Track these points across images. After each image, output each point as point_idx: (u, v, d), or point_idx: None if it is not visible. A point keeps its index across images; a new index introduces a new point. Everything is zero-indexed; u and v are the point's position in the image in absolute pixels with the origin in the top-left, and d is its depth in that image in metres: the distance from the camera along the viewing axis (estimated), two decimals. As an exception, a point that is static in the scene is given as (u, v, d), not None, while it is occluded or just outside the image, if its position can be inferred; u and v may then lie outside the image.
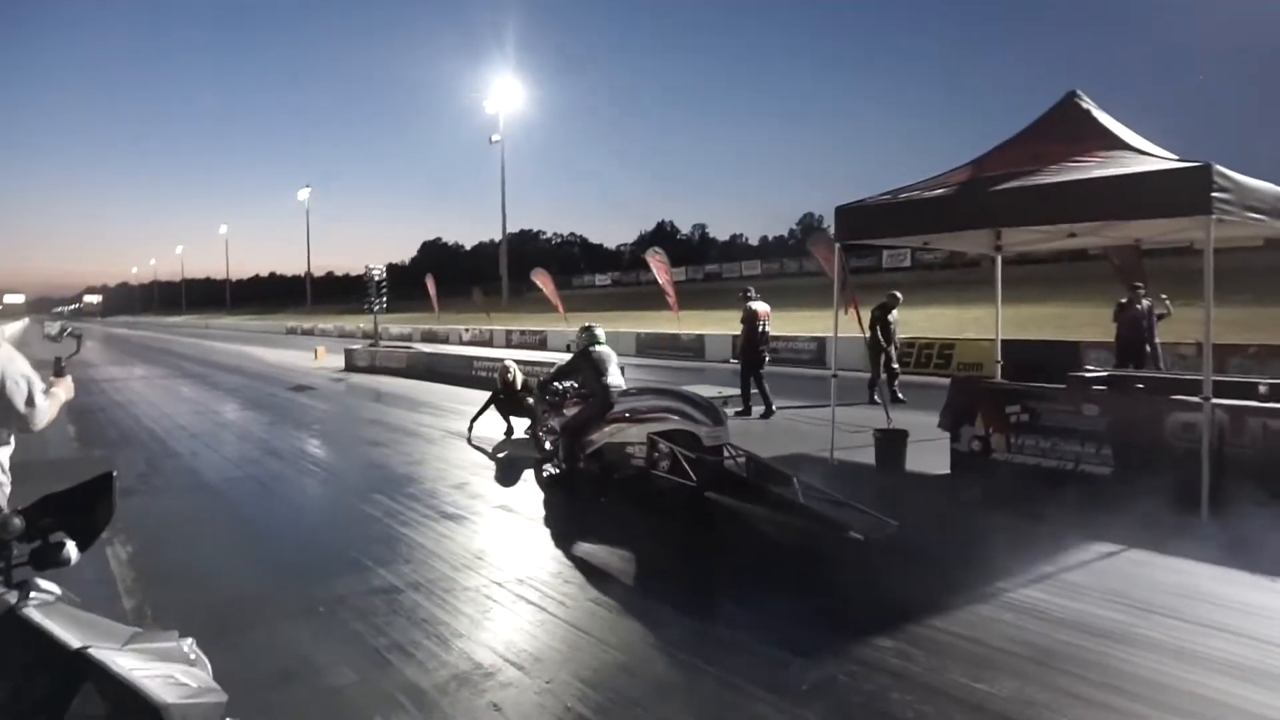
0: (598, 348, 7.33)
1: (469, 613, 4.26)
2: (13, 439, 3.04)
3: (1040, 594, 4.41)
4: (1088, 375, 8.07)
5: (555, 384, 7.70)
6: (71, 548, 1.49)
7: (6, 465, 3.03)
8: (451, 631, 4.00)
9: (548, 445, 7.74)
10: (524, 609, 4.31)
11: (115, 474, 1.64)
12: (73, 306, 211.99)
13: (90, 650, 1.46)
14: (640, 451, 6.64)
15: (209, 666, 1.70)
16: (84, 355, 29.54)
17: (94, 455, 9.12)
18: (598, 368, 7.13)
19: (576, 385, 7.49)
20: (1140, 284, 11.76)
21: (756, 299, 12.03)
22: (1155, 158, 6.42)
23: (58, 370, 3.26)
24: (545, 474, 7.46)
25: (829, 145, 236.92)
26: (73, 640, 1.45)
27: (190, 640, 1.71)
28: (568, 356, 7.85)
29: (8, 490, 3.00)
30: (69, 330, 3.77)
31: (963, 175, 7.40)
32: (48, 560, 1.47)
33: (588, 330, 7.58)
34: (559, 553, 5.33)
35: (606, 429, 6.86)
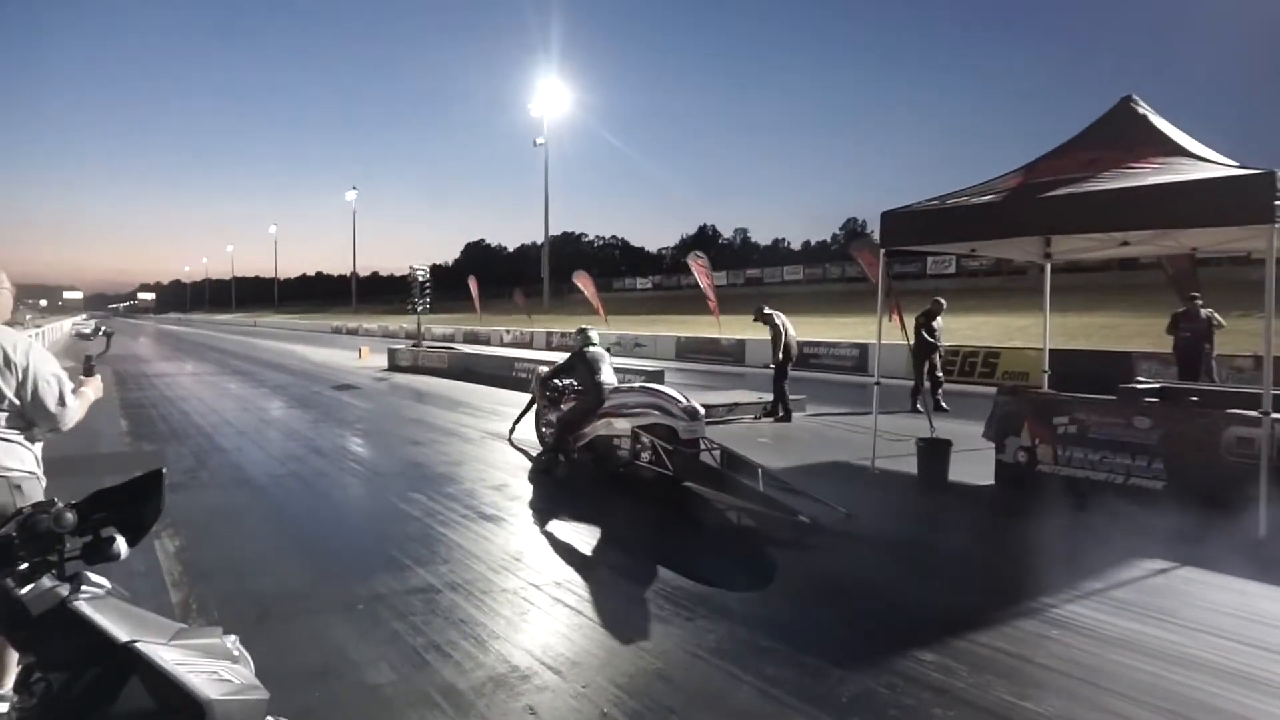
0: (591, 349, 8.03)
1: (506, 614, 4.27)
2: (44, 437, 3.08)
3: (1088, 611, 4.30)
4: (1139, 387, 7.87)
5: (554, 380, 8.40)
6: (121, 543, 1.51)
7: (40, 462, 3.07)
8: (488, 633, 4.01)
9: (546, 436, 8.50)
10: (561, 612, 4.31)
11: (165, 471, 1.66)
12: (128, 303, 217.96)
13: (138, 644, 1.48)
14: (626, 444, 7.29)
15: (252, 663, 1.72)
16: (137, 351, 30.41)
17: (144, 450, 9.33)
18: (591, 367, 7.85)
19: (575, 382, 8.11)
20: (1197, 294, 11.47)
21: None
22: (1215, 164, 6.24)
23: (87, 369, 3.29)
24: (542, 462, 8.13)
25: (874, 150, 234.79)
26: (121, 634, 1.47)
27: (234, 637, 1.73)
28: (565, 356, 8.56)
29: (42, 487, 3.04)
30: (101, 329, 3.84)
31: (1013, 181, 7.26)
32: (99, 554, 1.50)
33: (582, 333, 8.27)
34: (596, 557, 5.33)
35: (598, 423, 7.54)
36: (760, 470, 6.45)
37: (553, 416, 8.34)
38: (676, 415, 6.98)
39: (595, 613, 4.28)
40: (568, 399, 8.10)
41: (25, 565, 1.45)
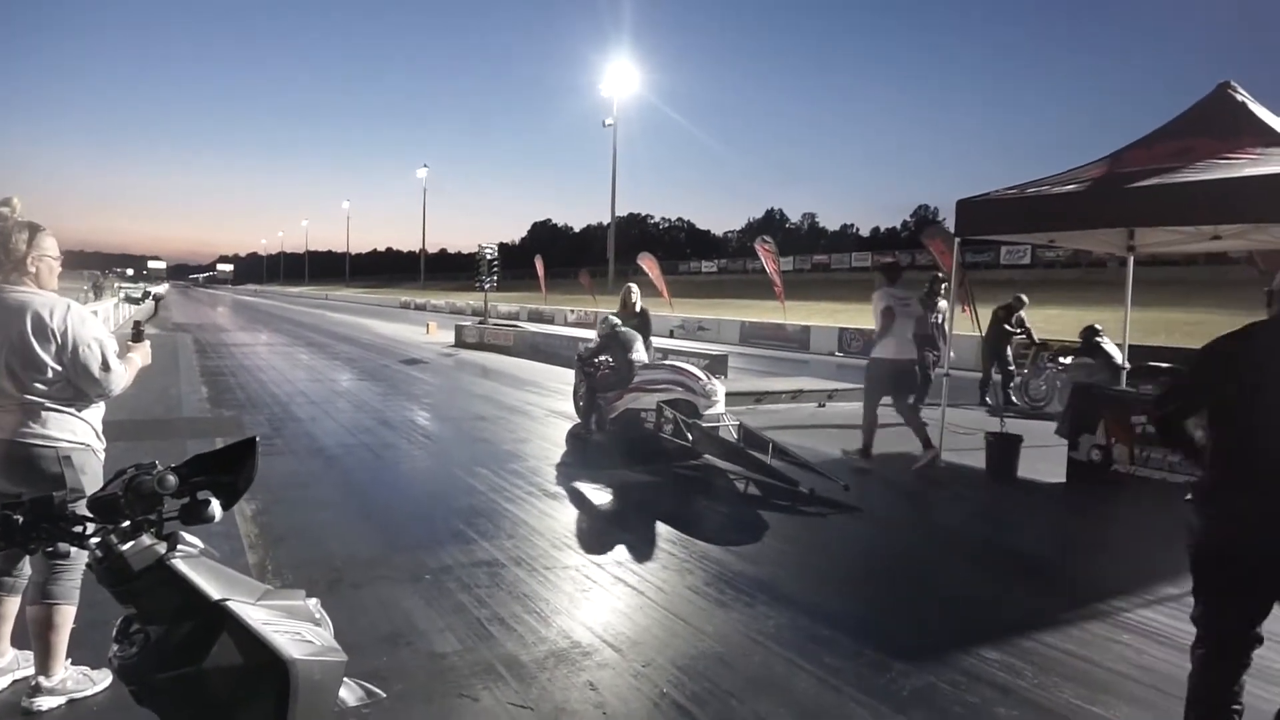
0: (622, 329, 8.68)
1: (568, 591, 4.33)
2: (102, 403, 3.06)
3: (1163, 617, 4.17)
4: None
5: (593, 359, 8.83)
6: (216, 506, 1.57)
7: (99, 429, 3.06)
8: (551, 608, 4.08)
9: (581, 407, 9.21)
10: (622, 591, 4.36)
11: (258, 439, 1.73)
12: (207, 274, 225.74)
13: (228, 603, 1.55)
14: (651, 417, 7.72)
15: (331, 627, 1.78)
16: (216, 320, 31.49)
17: (224, 416, 9.69)
18: (624, 345, 8.44)
19: (609, 359, 8.57)
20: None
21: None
22: (1319, 156, 5.93)
23: (136, 335, 3.27)
24: (577, 432, 8.92)
25: (948, 138, 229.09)
26: (213, 592, 1.55)
27: (315, 600, 1.79)
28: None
29: (102, 452, 3.04)
30: (150, 293, 3.87)
31: (1097, 171, 7.02)
32: (195, 516, 1.56)
33: (606, 320, 8.94)
34: (658, 538, 5.36)
35: (627, 397, 7.99)
36: (771, 445, 6.96)
37: (586, 390, 8.99)
38: (697, 392, 7.62)
39: (655, 593, 4.32)
40: (602, 374, 8.56)
41: (127, 523, 1.53)
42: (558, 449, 8.23)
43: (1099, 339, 10.62)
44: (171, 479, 1.55)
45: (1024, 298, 12.51)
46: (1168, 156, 6.54)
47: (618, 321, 8.85)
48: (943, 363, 8.94)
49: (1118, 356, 10.07)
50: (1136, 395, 7.34)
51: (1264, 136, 6.35)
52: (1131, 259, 9.04)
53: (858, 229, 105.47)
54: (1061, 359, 11.48)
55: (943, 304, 10.26)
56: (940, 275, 9.54)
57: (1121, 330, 9.87)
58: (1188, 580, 4.68)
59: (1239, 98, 6.83)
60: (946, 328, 9.56)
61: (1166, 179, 6.19)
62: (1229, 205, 5.93)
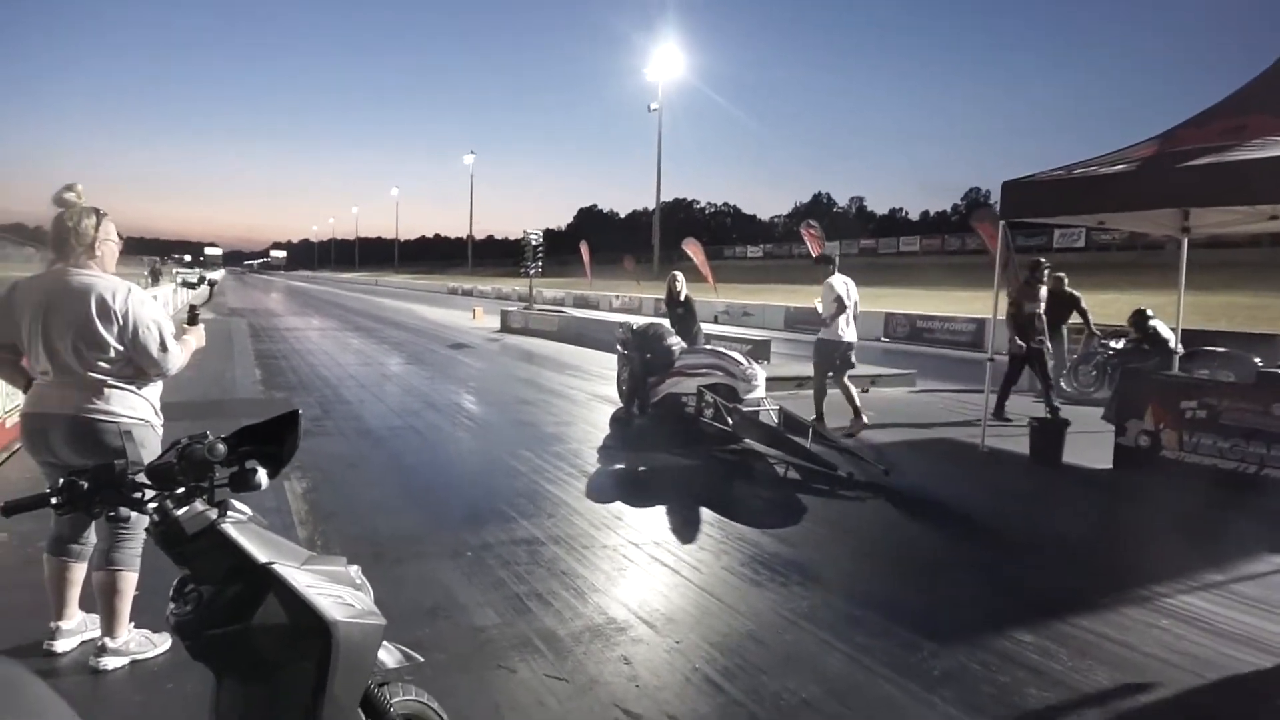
0: (641, 328, 8.92)
1: (605, 569, 4.42)
2: (160, 381, 3.22)
3: (1205, 603, 4.12)
4: (1281, 372, 7.36)
5: (631, 343, 8.95)
6: (263, 474, 1.67)
7: (158, 405, 3.22)
8: (588, 585, 4.17)
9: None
10: (658, 570, 4.43)
11: (300, 412, 1.82)
12: (261, 260, 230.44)
13: (275, 566, 1.65)
14: (692, 401, 7.80)
15: (371, 592, 1.87)
16: (270, 305, 32.14)
17: (275, 398, 9.97)
18: (660, 334, 8.59)
19: (648, 354, 8.59)
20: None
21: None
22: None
23: (191, 318, 3.43)
24: (619, 416, 8.97)
25: (1000, 117, 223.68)
26: (261, 555, 1.64)
27: (356, 567, 1.88)
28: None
29: (158, 435, 3.19)
30: (205, 278, 4.02)
31: (1148, 150, 6.86)
32: (243, 484, 1.66)
33: (626, 326, 9.27)
34: (694, 519, 5.42)
35: (668, 381, 8.09)
36: (811, 429, 6.96)
37: (630, 374, 9.00)
38: (738, 377, 7.62)
39: (691, 572, 4.38)
40: (645, 359, 8.61)
41: (182, 490, 1.63)
42: (599, 432, 8.32)
43: (1151, 322, 10.37)
44: (221, 447, 1.65)
45: (1062, 276, 11.67)
46: (1222, 135, 6.36)
47: (634, 324, 9.09)
48: (1049, 349, 9.25)
49: (1171, 340, 9.84)
50: (1186, 380, 7.19)
51: (1324, 113, 6.15)
52: (1186, 241, 8.82)
53: (907, 212, 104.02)
54: (1113, 343, 11.21)
55: (1043, 291, 9.52)
56: (1042, 260, 9.11)
57: (1175, 314, 9.64)
58: (1232, 566, 4.64)
59: (1298, 73, 6.63)
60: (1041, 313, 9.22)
61: (1220, 158, 6.02)
62: (1286, 184, 5.76)
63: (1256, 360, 9.23)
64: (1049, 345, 9.28)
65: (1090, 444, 7.40)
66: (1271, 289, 24.08)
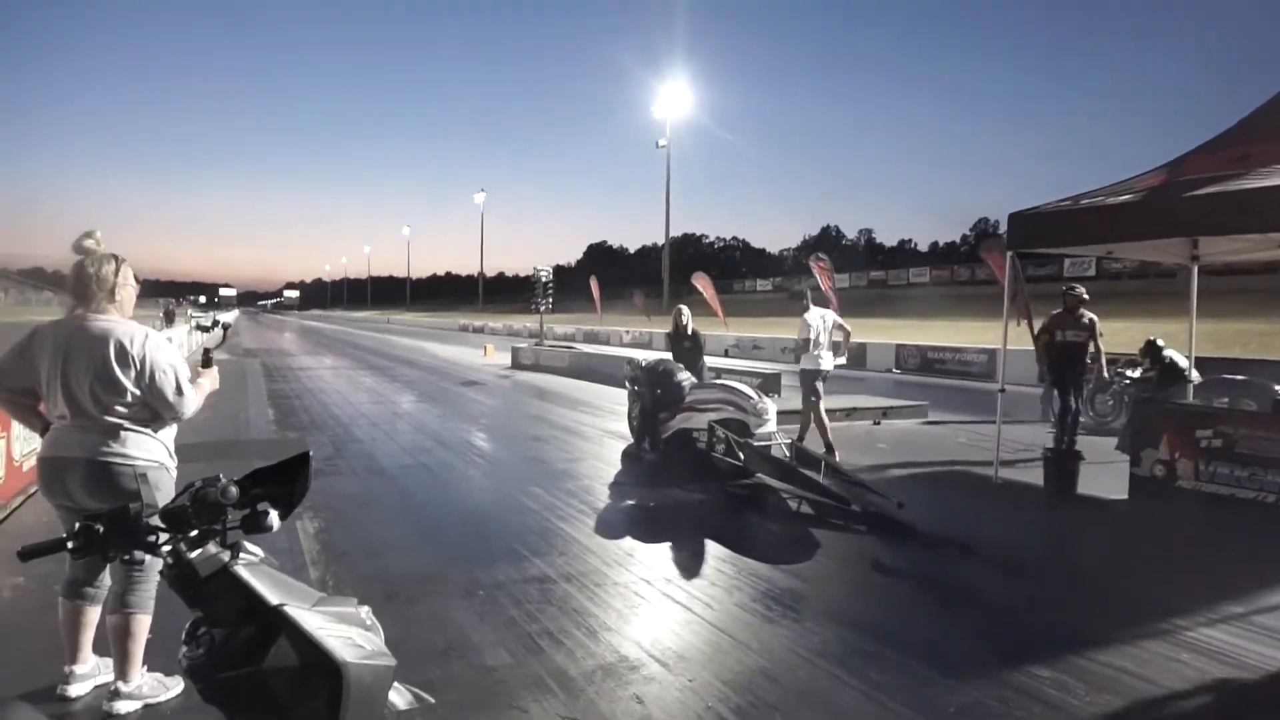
0: (648, 365, 9.04)
1: (618, 607, 4.40)
2: (174, 424, 3.25)
3: (1226, 636, 4.06)
4: (1296, 400, 7.31)
5: (639, 379, 8.97)
6: (274, 516, 1.70)
7: (172, 448, 3.25)
8: (600, 624, 4.15)
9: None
10: (670, 608, 4.41)
11: (311, 454, 1.85)
12: (275, 300, 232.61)
13: (286, 608, 1.66)
14: (703, 436, 7.76)
15: (382, 633, 1.88)
16: (283, 345, 32.33)
17: (289, 437, 10.02)
18: (669, 370, 8.70)
19: (658, 390, 8.61)
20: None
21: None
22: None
23: (205, 361, 3.46)
24: (630, 452, 8.95)
25: (1009, 147, 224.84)
26: (272, 597, 1.66)
27: (367, 608, 1.90)
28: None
29: (174, 470, 3.22)
30: (219, 322, 4.08)
31: (1154, 180, 6.89)
32: (255, 525, 1.69)
33: (632, 362, 9.58)
34: (706, 555, 5.40)
35: (679, 416, 8.13)
36: (823, 463, 6.93)
37: (640, 410, 8.99)
38: (749, 411, 7.70)
39: (703, 609, 4.36)
40: (655, 395, 8.63)
41: (195, 532, 1.66)
42: (610, 468, 8.32)
43: (1165, 352, 10.30)
44: (234, 490, 1.67)
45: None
46: (1228, 163, 6.39)
47: (642, 360, 9.28)
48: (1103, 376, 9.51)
49: (1186, 368, 9.78)
50: (1201, 408, 7.15)
51: (1328, 141, 6.18)
52: (1196, 269, 8.81)
53: (916, 244, 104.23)
54: (1129, 372, 11.13)
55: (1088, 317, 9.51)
56: (1075, 288, 8.91)
57: (1188, 342, 9.61)
58: (1253, 598, 4.58)
59: (1302, 101, 6.67)
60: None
61: (1225, 186, 6.05)
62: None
63: (1276, 387, 9.16)
64: (1091, 376, 9.23)
65: (1105, 474, 7.35)
66: (1285, 315, 23.96)
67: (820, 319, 8.92)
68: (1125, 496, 6.97)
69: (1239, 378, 10.21)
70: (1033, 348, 11.99)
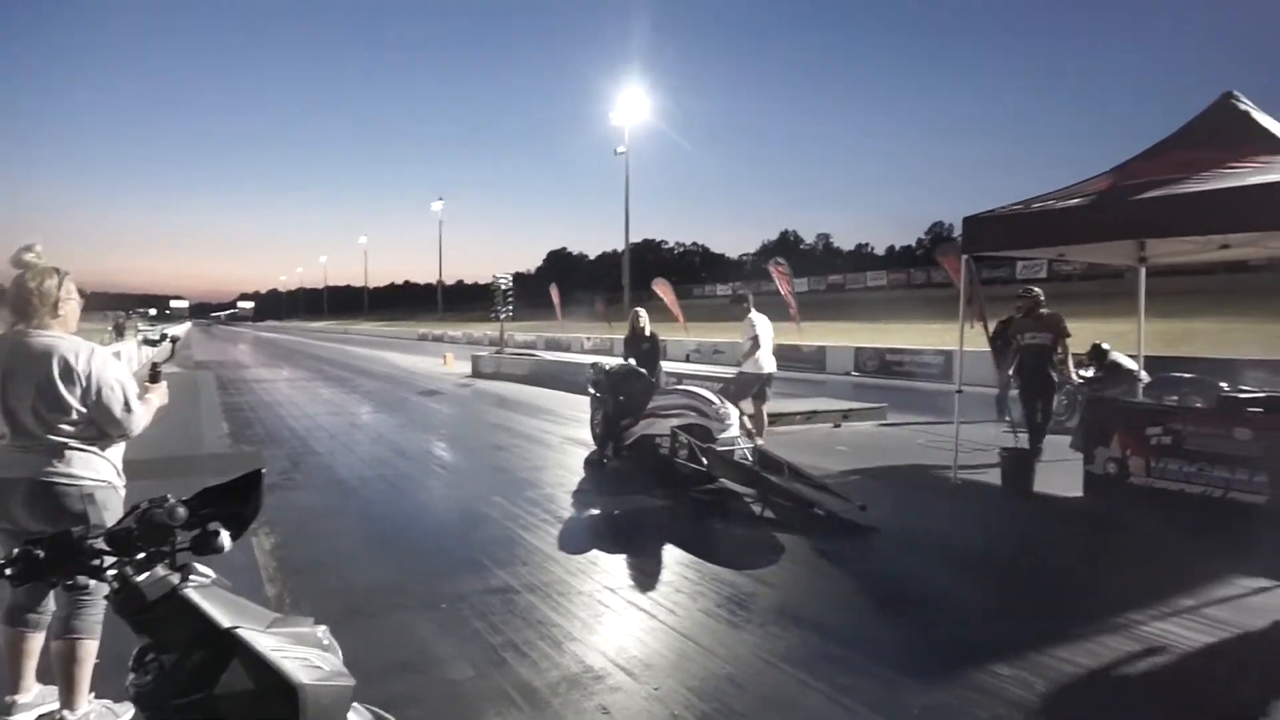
0: (613, 369, 9.13)
1: (582, 616, 4.37)
2: (122, 442, 3.15)
3: (1178, 629, 4.14)
4: (1241, 396, 7.51)
5: (601, 386, 9.08)
6: (225, 536, 1.65)
7: (120, 466, 3.14)
8: (564, 634, 4.11)
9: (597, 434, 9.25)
10: (635, 615, 4.38)
11: (264, 471, 1.80)
12: (229, 311, 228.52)
13: (239, 630, 1.61)
14: (666, 443, 7.72)
15: (340, 653, 1.84)
16: (238, 357, 31.74)
17: (244, 451, 9.81)
18: (630, 375, 8.80)
19: (620, 396, 8.66)
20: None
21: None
22: (1324, 163, 5.93)
23: (154, 376, 3.35)
24: (593, 459, 8.93)
25: (962, 153, 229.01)
26: (224, 620, 1.61)
27: (324, 627, 1.85)
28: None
29: (120, 496, 3.11)
30: (167, 335, 3.98)
31: (1102, 184, 7.04)
32: (205, 546, 1.63)
33: (596, 365, 9.54)
34: (672, 561, 5.39)
35: (642, 423, 8.10)
36: (786, 467, 6.95)
37: (603, 417, 9.00)
38: (711, 416, 7.63)
39: (668, 616, 4.34)
40: (617, 401, 8.66)
41: (142, 555, 1.60)
42: (574, 476, 8.28)
43: (1111, 356, 10.49)
44: (181, 511, 1.62)
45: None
46: (1172, 168, 6.55)
47: (605, 364, 9.35)
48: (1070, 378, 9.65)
49: (1134, 368, 10.00)
50: (1150, 406, 7.32)
51: (1268, 145, 6.37)
52: (1143, 270, 9.03)
53: (873, 248, 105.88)
54: (1081, 371, 11.35)
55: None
56: (1031, 290, 8.84)
57: (1137, 341, 9.84)
58: (1203, 591, 4.69)
59: (1242, 107, 6.88)
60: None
61: (1170, 190, 6.21)
62: (1234, 214, 5.94)
63: (1221, 385, 9.41)
64: (1056, 379, 9.18)
65: (1060, 472, 7.48)
66: (1229, 314, 24.67)
67: (765, 322, 9.20)
68: (1080, 494, 7.10)
69: (1187, 376, 10.48)
70: (988, 349, 12.19)
